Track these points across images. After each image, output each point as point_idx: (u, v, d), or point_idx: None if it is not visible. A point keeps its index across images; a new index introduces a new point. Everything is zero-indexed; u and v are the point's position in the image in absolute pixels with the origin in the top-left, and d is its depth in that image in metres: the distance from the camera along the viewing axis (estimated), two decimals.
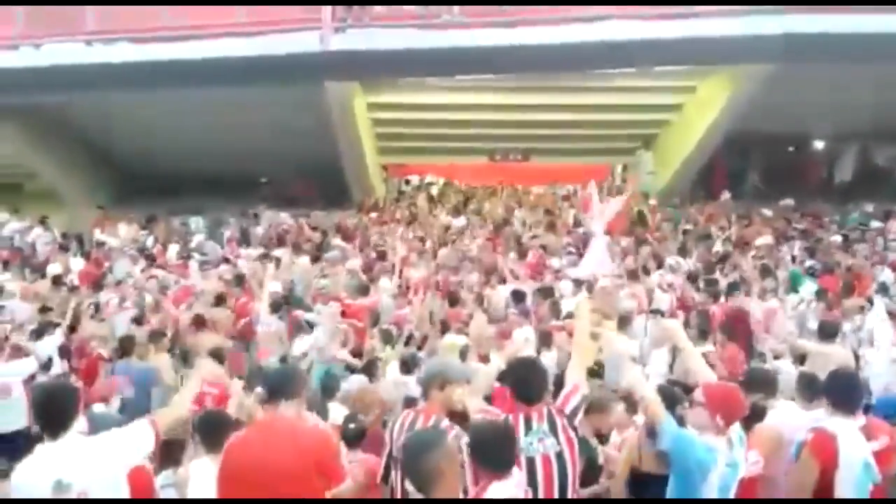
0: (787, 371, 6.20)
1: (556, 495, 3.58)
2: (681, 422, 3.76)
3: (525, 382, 3.80)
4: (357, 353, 7.99)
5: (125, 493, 3.26)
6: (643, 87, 15.33)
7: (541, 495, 3.56)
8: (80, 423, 4.83)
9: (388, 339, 7.93)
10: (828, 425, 3.86)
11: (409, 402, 5.61)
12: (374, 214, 15.57)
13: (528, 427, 3.64)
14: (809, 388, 4.72)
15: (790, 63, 12.15)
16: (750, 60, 12.92)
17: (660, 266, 10.85)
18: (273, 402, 3.46)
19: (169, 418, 3.61)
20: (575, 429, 3.69)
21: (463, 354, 6.81)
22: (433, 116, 15.95)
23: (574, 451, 3.65)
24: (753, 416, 4.24)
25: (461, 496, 3.07)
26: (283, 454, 3.30)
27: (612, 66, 13.62)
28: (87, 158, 17.05)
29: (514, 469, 3.24)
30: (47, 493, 3.02)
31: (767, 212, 14.66)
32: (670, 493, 3.66)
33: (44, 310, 9.25)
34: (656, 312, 8.39)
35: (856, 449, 3.74)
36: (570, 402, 3.76)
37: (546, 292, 9.31)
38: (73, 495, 3.03)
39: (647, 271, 10.46)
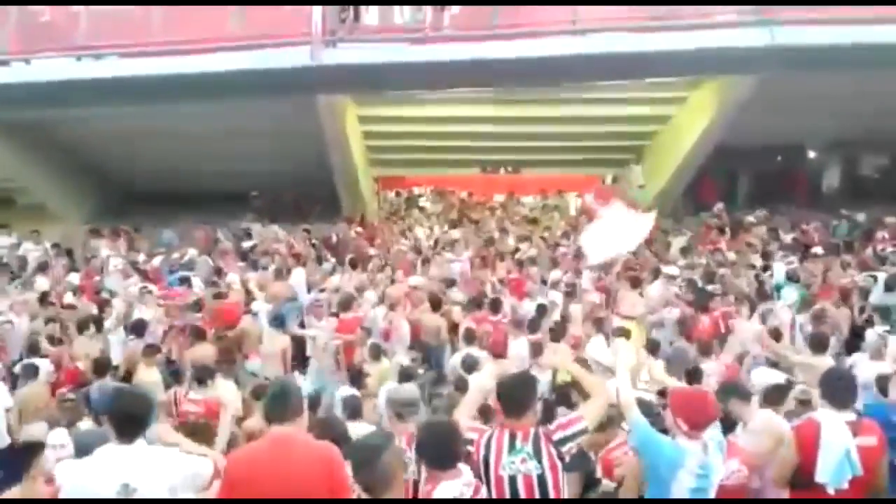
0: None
1: None
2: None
3: (511, 397, 3.81)
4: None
5: None
6: (632, 99, 15.42)
7: None
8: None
9: (376, 354, 7.90)
10: (815, 415, 4.08)
11: None
12: (358, 229, 15.51)
13: (512, 445, 3.65)
14: (778, 396, 5.08)
15: (778, 73, 12.26)
16: (738, 71, 13.02)
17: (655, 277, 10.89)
18: (276, 424, 3.43)
19: (221, 464, 3.61)
20: (562, 457, 3.67)
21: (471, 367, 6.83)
22: (424, 129, 15.99)
23: (558, 476, 3.63)
24: (728, 425, 4.30)
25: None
26: (292, 469, 3.30)
27: (602, 77, 13.71)
28: (78, 173, 16.99)
29: (462, 467, 3.38)
30: (110, 495, 3.07)
31: (752, 219, 14.72)
32: (646, 490, 3.81)
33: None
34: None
35: (838, 437, 3.88)
36: (567, 430, 3.74)
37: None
38: (135, 499, 3.09)
39: (639, 282, 10.52)
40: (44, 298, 10.42)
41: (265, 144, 15.06)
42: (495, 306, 9.43)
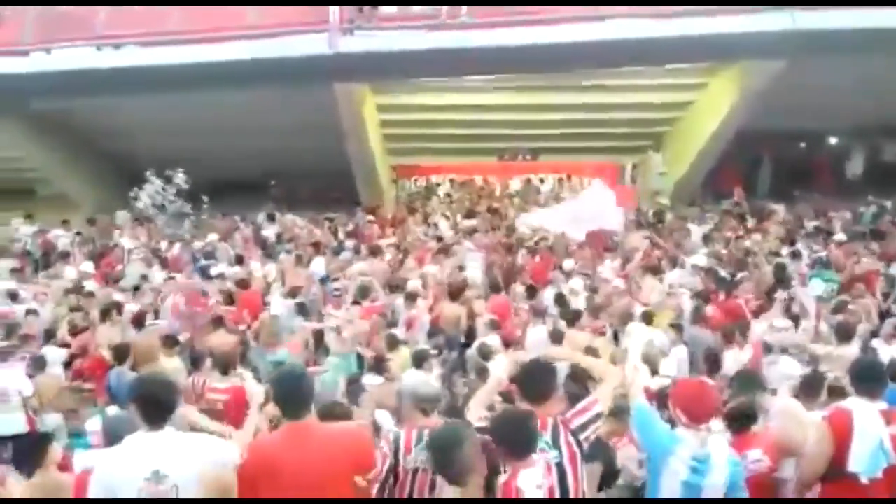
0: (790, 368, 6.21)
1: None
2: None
3: (530, 383, 3.78)
4: None
5: (202, 494, 3.25)
6: (653, 85, 15.27)
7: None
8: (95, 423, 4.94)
9: (392, 344, 7.89)
10: (846, 404, 3.98)
11: None
12: (370, 217, 15.47)
13: None
14: (812, 388, 4.93)
15: (800, 58, 12.10)
16: (760, 56, 12.87)
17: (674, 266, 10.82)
18: (294, 418, 3.39)
19: (244, 445, 3.60)
20: (580, 444, 3.63)
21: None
22: (442, 117, 15.93)
23: (577, 466, 3.58)
24: (744, 418, 4.23)
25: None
26: (314, 457, 3.28)
27: (621, 63, 13.60)
28: (98, 163, 17.13)
29: (535, 456, 3.33)
30: (141, 482, 3.07)
31: (778, 208, 14.56)
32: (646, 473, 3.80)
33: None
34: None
35: (871, 426, 3.81)
36: (583, 416, 3.70)
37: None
38: (167, 486, 3.09)
39: (659, 270, 10.46)
40: (74, 287, 10.50)
41: (283, 133, 15.07)
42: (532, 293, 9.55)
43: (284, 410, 3.41)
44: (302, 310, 9.28)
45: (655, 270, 10.35)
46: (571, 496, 3.57)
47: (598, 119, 15.98)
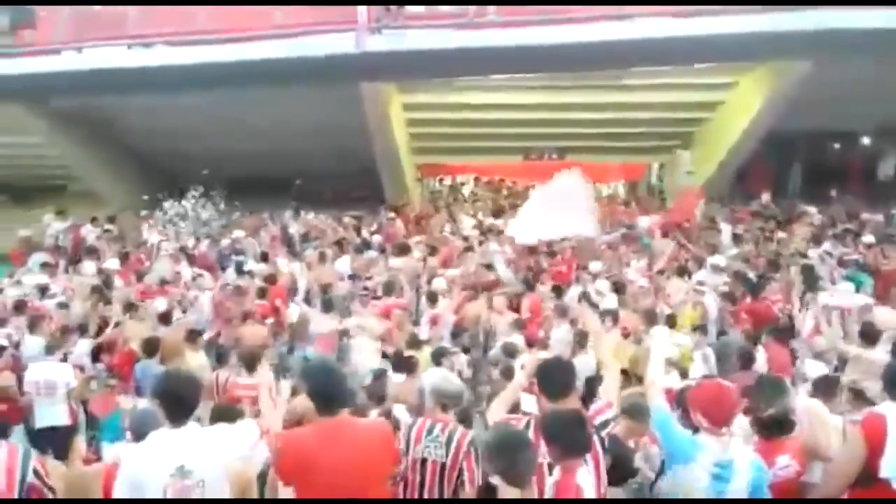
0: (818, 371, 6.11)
1: None
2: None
3: (552, 380, 3.78)
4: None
5: (227, 484, 3.32)
6: (681, 85, 15.11)
7: None
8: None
9: (413, 343, 7.84)
10: (880, 409, 3.89)
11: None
12: (391, 214, 15.47)
13: None
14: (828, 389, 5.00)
15: (831, 58, 11.92)
16: (789, 56, 12.70)
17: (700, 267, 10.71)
18: (329, 413, 3.41)
19: (266, 422, 3.65)
20: (602, 440, 3.63)
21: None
22: (468, 116, 15.92)
23: (599, 462, 3.57)
24: (779, 426, 4.15)
25: None
26: (361, 444, 3.33)
27: (648, 63, 13.50)
28: (127, 160, 17.36)
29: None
30: (167, 478, 3.11)
31: (811, 209, 14.34)
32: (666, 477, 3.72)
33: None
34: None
35: None
36: (604, 415, 3.73)
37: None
38: (192, 481, 3.14)
39: (685, 271, 10.37)
40: (105, 282, 10.65)
41: (309, 131, 15.16)
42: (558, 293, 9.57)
43: (318, 406, 3.41)
44: (328, 306, 9.30)
45: (682, 271, 10.26)
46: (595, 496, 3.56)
47: (625, 118, 15.88)
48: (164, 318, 8.78)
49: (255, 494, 4.07)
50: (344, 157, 15.62)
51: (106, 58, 13.05)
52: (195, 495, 3.15)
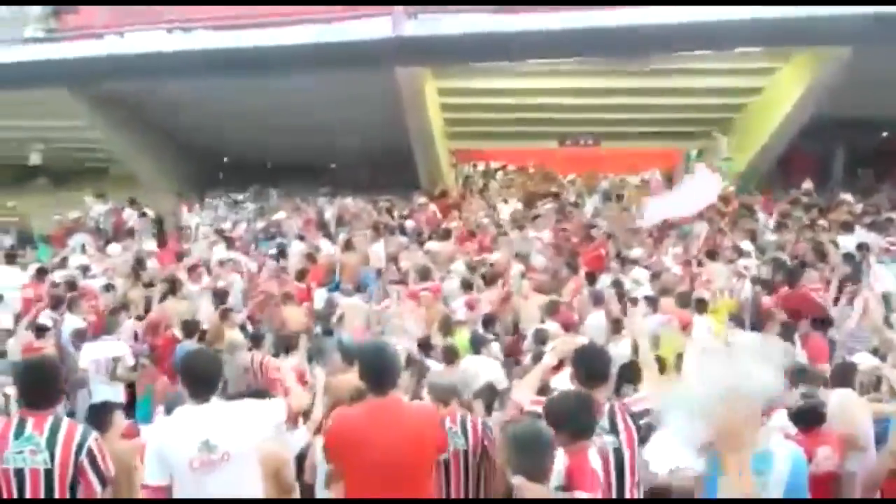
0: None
1: (613, 490, 3.54)
2: None
3: (589, 367, 3.75)
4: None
5: (256, 461, 3.42)
6: (720, 70, 14.85)
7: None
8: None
9: (446, 327, 7.82)
10: None
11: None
12: (421, 200, 15.45)
13: None
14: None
15: (875, 44, 11.62)
16: (833, 42, 12.40)
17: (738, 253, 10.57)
18: (381, 392, 3.43)
19: (297, 408, 3.79)
20: (639, 427, 3.62)
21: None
22: (503, 101, 15.82)
23: (634, 450, 3.57)
24: (816, 416, 4.09)
25: None
26: (409, 426, 3.34)
27: (690, 48, 13.28)
28: (167, 143, 17.60)
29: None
30: (194, 453, 3.19)
31: (848, 197, 14.03)
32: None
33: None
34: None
35: None
36: (642, 405, 3.72)
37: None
38: (217, 456, 3.21)
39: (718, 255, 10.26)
40: (139, 264, 10.83)
41: (345, 116, 15.21)
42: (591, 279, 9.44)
43: (369, 385, 3.43)
44: (357, 291, 9.32)
45: (713, 254, 10.15)
46: (627, 484, 3.55)
47: (662, 104, 15.64)
48: (221, 297, 8.84)
49: (291, 476, 4.14)
50: (378, 141, 15.66)
51: (147, 42, 13.25)
52: (221, 469, 3.22)
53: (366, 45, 12.39)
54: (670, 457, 3.92)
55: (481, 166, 20.56)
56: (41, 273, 10.17)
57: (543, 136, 17.35)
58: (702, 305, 8.03)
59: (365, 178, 17.13)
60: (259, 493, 3.43)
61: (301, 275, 9.93)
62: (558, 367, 4.64)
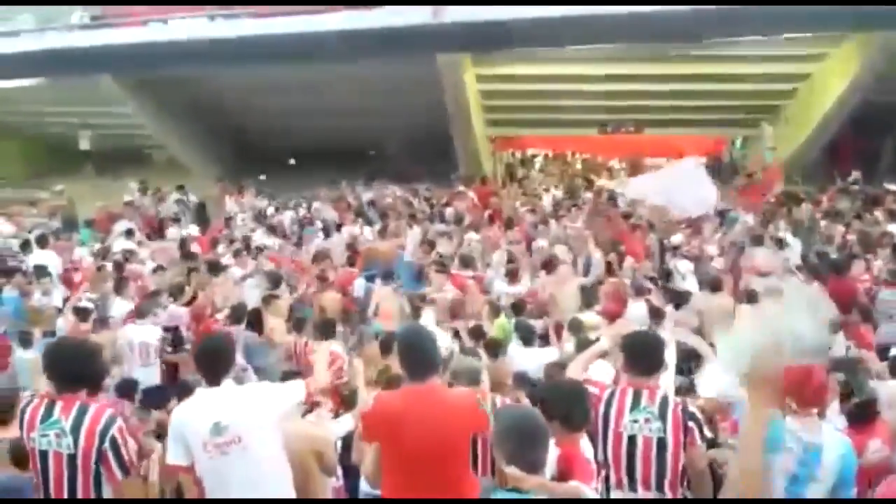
0: None
1: (652, 479, 3.50)
2: None
3: (640, 354, 3.68)
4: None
5: (276, 441, 3.44)
6: (766, 56, 14.56)
7: (638, 477, 3.52)
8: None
9: (496, 311, 7.78)
10: None
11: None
12: (461, 188, 15.37)
13: (636, 403, 3.54)
14: None
15: None
16: (886, 27, 12.05)
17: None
18: (420, 379, 3.41)
19: (316, 388, 3.78)
20: (692, 417, 3.54)
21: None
22: (543, 88, 15.71)
23: (679, 440, 3.49)
24: (868, 409, 3.99)
25: None
26: (447, 411, 3.33)
27: (736, 34, 13.01)
28: (209, 131, 17.82)
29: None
30: (206, 433, 3.26)
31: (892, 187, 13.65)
32: None
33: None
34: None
35: None
36: (696, 408, 3.66)
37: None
38: (228, 437, 3.26)
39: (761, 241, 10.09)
40: (183, 248, 10.96)
41: (385, 103, 15.25)
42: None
43: (408, 371, 3.42)
44: (389, 279, 9.19)
45: (758, 241, 9.98)
46: (668, 474, 3.49)
47: (706, 90, 15.39)
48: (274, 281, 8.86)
49: (334, 458, 4.17)
50: (418, 128, 15.65)
51: (190, 29, 13.38)
52: (232, 451, 3.26)
53: (405, 32, 12.36)
54: (716, 384, 4.03)
55: (520, 154, 20.47)
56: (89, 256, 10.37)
57: (584, 123, 17.18)
58: (752, 296, 7.89)
59: (404, 166, 17.12)
60: (280, 475, 3.45)
61: (351, 261, 9.91)
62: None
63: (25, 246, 10.77)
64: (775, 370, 2.81)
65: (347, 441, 4.59)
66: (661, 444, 3.49)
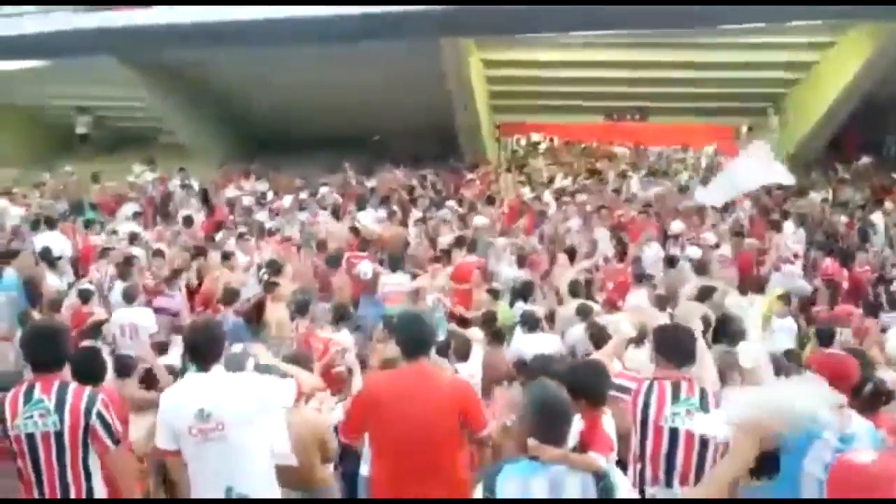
0: None
1: (692, 472, 3.49)
2: None
3: (676, 345, 3.68)
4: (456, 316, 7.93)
5: (259, 436, 3.44)
6: (772, 43, 14.46)
7: (677, 470, 3.51)
8: None
9: (495, 296, 7.86)
10: None
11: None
12: (470, 176, 15.37)
13: (676, 396, 3.51)
14: None
15: None
16: (889, 18, 11.95)
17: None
18: (412, 357, 3.50)
19: (308, 385, 3.82)
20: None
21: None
22: (549, 74, 15.63)
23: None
24: (881, 398, 3.99)
25: None
26: (432, 392, 3.39)
27: (741, 21, 12.89)
28: (213, 114, 17.75)
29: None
30: (190, 419, 3.29)
31: None
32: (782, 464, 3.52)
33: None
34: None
35: None
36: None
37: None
38: (211, 424, 3.29)
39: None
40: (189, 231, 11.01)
41: (388, 88, 15.16)
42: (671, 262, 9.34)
43: (403, 351, 3.53)
44: (395, 265, 9.22)
45: (775, 225, 9.99)
46: (708, 464, 3.47)
47: (713, 78, 15.30)
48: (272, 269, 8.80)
49: (335, 444, 4.21)
50: (421, 114, 15.59)
51: (195, 11, 13.31)
52: (214, 437, 3.29)
53: (409, 16, 12.29)
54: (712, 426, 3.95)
55: (523, 140, 20.40)
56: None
57: (590, 110, 17.11)
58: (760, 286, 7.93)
59: (408, 151, 17.07)
60: (258, 470, 3.43)
61: (364, 246, 9.92)
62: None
63: (35, 226, 10.84)
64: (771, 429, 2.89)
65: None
66: (703, 439, 3.46)
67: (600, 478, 2.73)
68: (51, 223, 10.86)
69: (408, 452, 3.35)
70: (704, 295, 7.53)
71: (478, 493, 2.81)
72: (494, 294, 7.95)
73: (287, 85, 15.82)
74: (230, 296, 7.72)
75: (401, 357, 3.59)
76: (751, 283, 8.36)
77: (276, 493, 3.52)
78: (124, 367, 5.18)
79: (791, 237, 10.21)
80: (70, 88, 17.21)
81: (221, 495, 3.33)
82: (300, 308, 7.39)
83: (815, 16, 12.83)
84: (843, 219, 11.27)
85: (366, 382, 3.61)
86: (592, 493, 2.71)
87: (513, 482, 2.74)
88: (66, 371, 3.51)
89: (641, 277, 8.49)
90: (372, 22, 12.40)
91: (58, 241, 10.05)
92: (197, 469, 3.37)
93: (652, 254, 9.61)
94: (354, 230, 10.64)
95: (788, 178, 10.14)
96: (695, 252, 9.59)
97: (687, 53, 14.81)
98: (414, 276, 8.93)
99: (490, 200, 12.35)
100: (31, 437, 3.29)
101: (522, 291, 8.06)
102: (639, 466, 3.60)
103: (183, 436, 3.32)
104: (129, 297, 7.61)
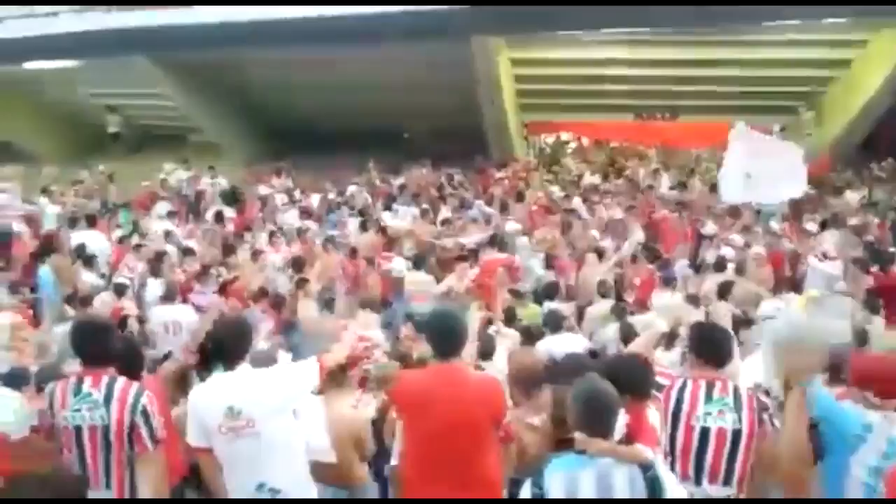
0: None
1: (722, 470, 3.47)
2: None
3: (711, 344, 3.65)
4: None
5: (291, 427, 3.47)
6: (805, 41, 14.27)
7: (706, 469, 3.49)
8: None
9: (518, 297, 7.81)
10: None
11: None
12: (499, 174, 15.34)
13: (709, 395, 3.50)
14: None
15: None
16: None
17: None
18: (444, 356, 3.50)
19: (331, 363, 3.78)
20: (765, 407, 3.50)
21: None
22: (578, 72, 15.57)
23: (754, 431, 3.45)
24: None
25: None
26: (465, 391, 3.40)
27: (775, 18, 12.75)
28: (243, 112, 17.94)
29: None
30: (220, 417, 3.31)
31: None
32: (822, 467, 3.39)
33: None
34: None
35: None
36: (768, 400, 3.61)
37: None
38: (241, 422, 3.31)
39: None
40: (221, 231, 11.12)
41: (418, 86, 15.19)
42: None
43: (434, 350, 3.52)
44: (418, 264, 9.24)
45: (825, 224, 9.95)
46: (738, 464, 3.46)
47: (744, 76, 15.13)
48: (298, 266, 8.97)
49: (368, 439, 4.24)
50: (450, 112, 15.59)
51: (226, 11, 13.47)
52: (245, 434, 3.31)
53: (440, 15, 12.33)
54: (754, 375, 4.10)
55: (552, 139, 20.30)
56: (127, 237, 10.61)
57: (619, 108, 16.97)
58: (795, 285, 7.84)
59: (436, 150, 17.08)
60: (292, 463, 3.45)
61: (390, 245, 9.95)
62: None
63: (73, 224, 11.02)
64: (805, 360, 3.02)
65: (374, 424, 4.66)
66: (736, 435, 3.46)
67: (647, 469, 2.75)
68: (90, 220, 11.04)
69: (442, 447, 3.36)
70: (724, 291, 7.55)
71: (525, 490, 2.82)
72: (516, 294, 7.91)
73: (316, 83, 15.93)
74: (259, 294, 7.84)
75: (432, 355, 3.59)
76: (785, 283, 8.26)
77: (311, 488, 3.53)
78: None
79: (827, 243, 10.02)
80: (102, 88, 17.48)
81: (254, 492, 3.35)
82: (328, 304, 7.56)
83: (848, 14, 12.68)
84: (875, 219, 11.08)
85: (404, 376, 3.64)
86: (640, 485, 2.73)
87: (561, 476, 2.77)
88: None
89: (669, 281, 8.39)
90: (401, 21, 12.47)
91: (95, 239, 10.20)
92: (229, 467, 3.39)
93: (679, 268, 9.47)
94: (382, 230, 10.67)
95: (800, 191, 10.14)
96: (729, 253, 9.50)
97: (718, 51, 14.67)
98: (435, 277, 8.97)
99: (520, 197, 12.30)
100: (78, 429, 3.34)
101: (547, 291, 8.03)
102: (668, 462, 3.58)
103: (213, 434, 3.34)
104: (170, 295, 7.74)
